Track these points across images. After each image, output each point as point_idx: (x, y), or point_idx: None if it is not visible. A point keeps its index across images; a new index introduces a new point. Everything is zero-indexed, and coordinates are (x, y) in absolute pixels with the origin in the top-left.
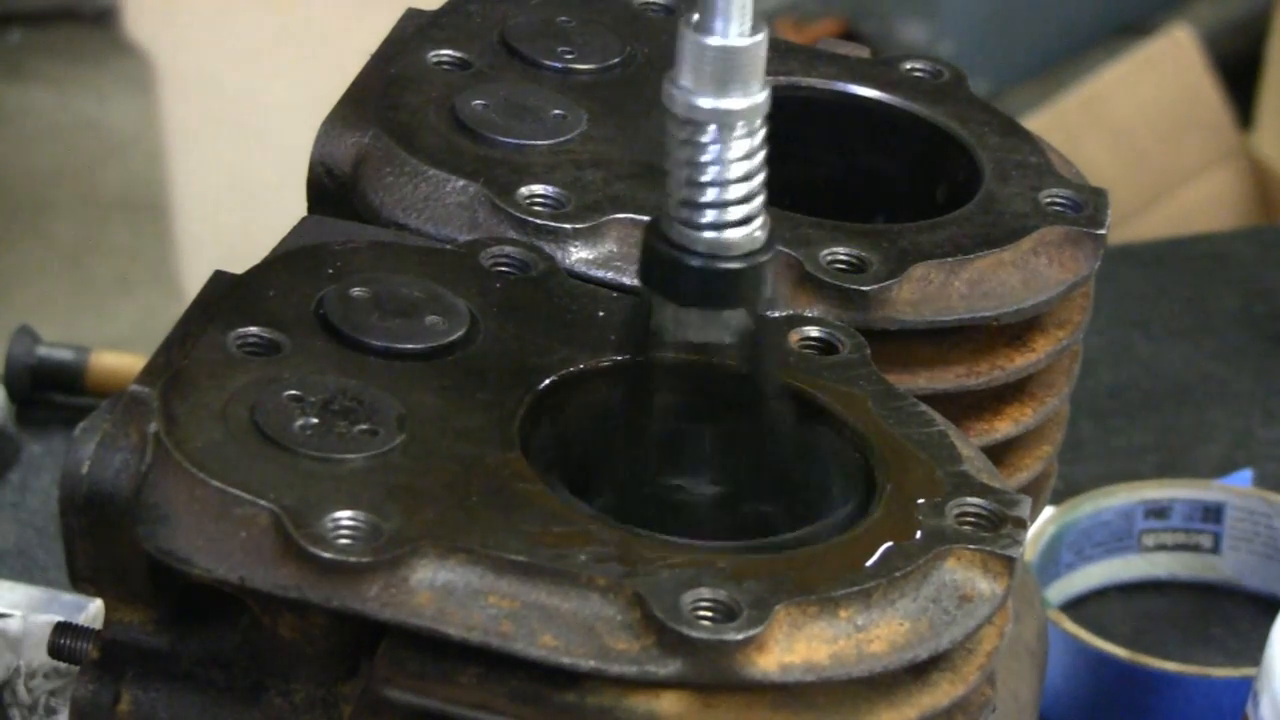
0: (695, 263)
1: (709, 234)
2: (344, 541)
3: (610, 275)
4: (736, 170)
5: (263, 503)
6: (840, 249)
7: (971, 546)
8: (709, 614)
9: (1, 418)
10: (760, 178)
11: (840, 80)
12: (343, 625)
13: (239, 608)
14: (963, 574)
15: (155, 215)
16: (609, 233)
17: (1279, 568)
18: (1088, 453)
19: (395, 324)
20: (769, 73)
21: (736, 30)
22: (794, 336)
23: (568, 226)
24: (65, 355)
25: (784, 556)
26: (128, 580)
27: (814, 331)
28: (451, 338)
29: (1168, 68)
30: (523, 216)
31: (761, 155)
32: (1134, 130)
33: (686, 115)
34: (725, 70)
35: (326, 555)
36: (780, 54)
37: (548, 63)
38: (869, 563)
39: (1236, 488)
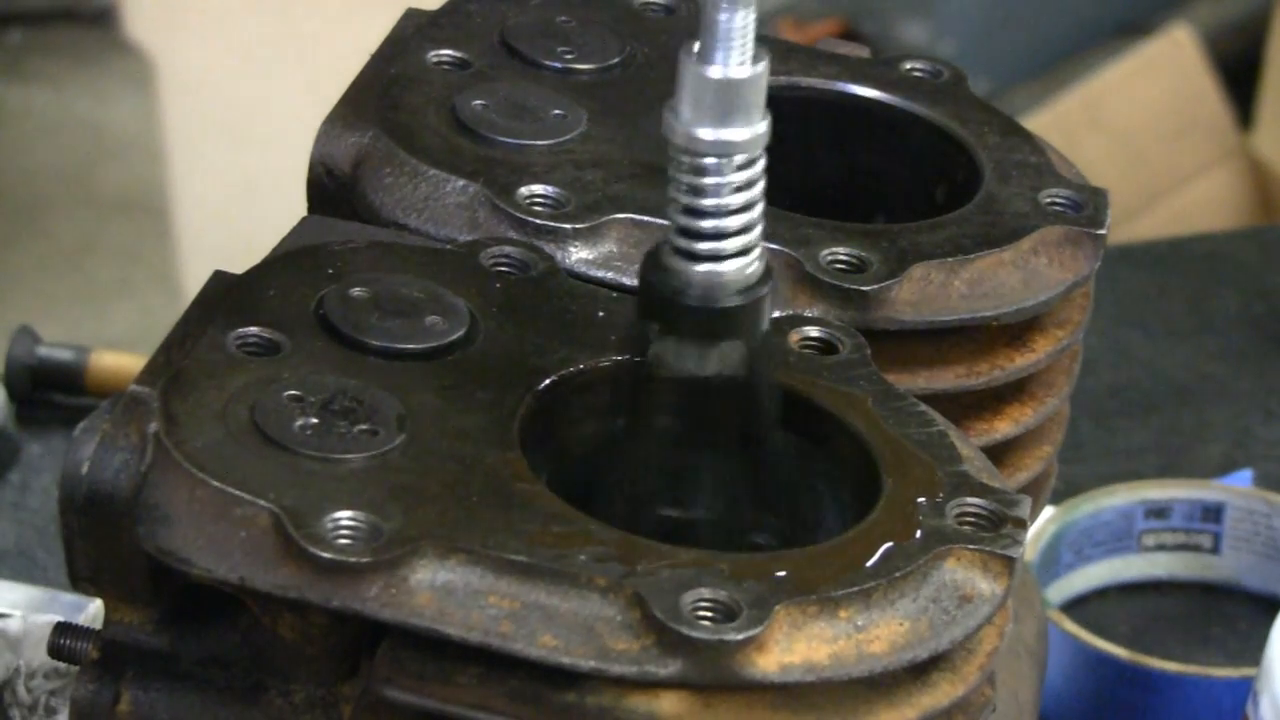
0: (694, 294)
1: (707, 265)
2: (344, 541)
3: (610, 275)
4: (736, 201)
5: (263, 503)
6: (840, 249)
7: (971, 546)
8: (709, 614)
9: (1, 418)
10: (759, 208)
11: (840, 80)
12: (343, 625)
13: (239, 608)
14: (963, 574)
15: (155, 215)
16: (609, 233)
17: (1279, 568)
18: (1088, 453)
19: (395, 324)
20: (771, 73)
21: (737, 60)
22: (794, 336)
23: (568, 226)
24: (65, 355)
25: (784, 556)
26: (128, 580)
27: (814, 331)
28: (451, 338)
29: (1168, 68)
30: (523, 216)
31: (761, 185)
32: (1134, 130)
33: (687, 146)
34: (726, 101)
35: (326, 555)
36: (780, 54)
37: (548, 63)
38: (869, 563)
39: (1236, 488)
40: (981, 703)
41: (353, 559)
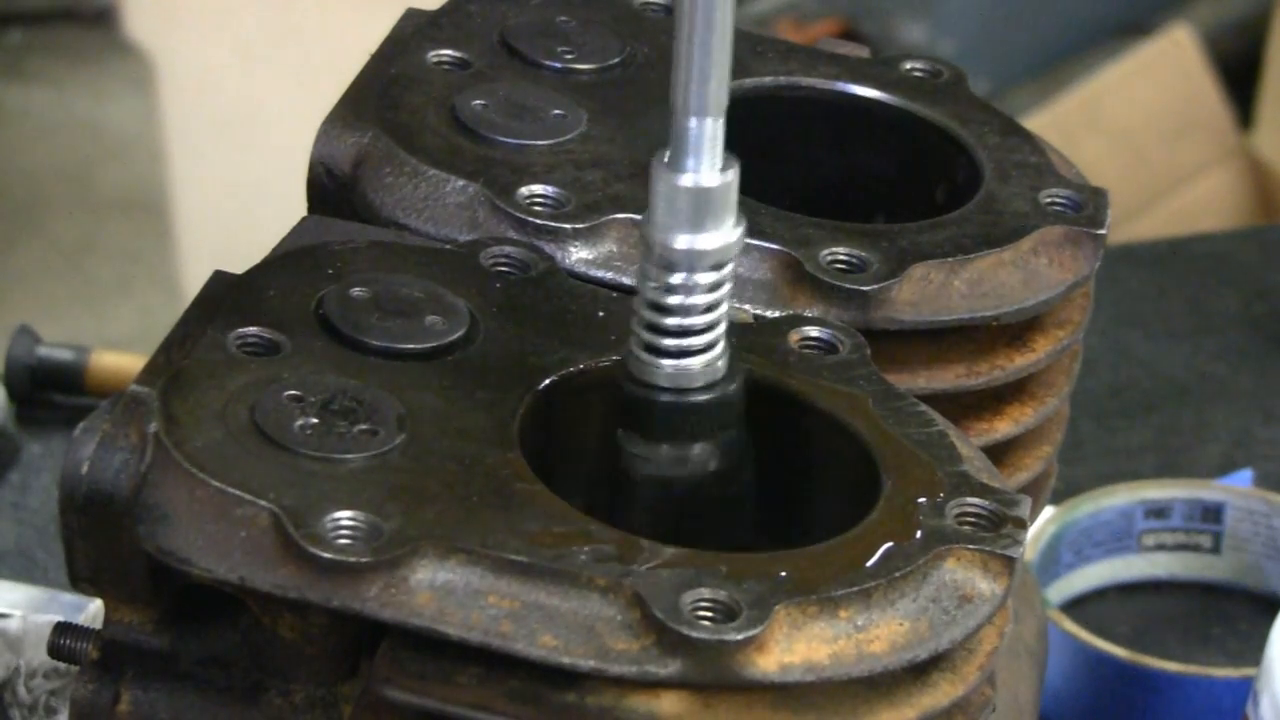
0: (664, 398)
1: (671, 364)
2: (344, 541)
3: (610, 275)
4: (703, 300)
5: (262, 503)
6: (840, 249)
7: (971, 546)
8: (709, 614)
9: (1, 418)
10: (725, 306)
11: (840, 80)
12: (343, 625)
13: (239, 608)
14: (963, 574)
15: (155, 215)
16: (609, 233)
17: (1279, 568)
18: (1088, 453)
19: (395, 324)
20: (770, 73)
21: (708, 168)
22: (794, 336)
23: (568, 226)
24: (65, 355)
25: (784, 556)
26: (128, 580)
27: (814, 331)
28: (451, 338)
29: (1168, 68)
30: (523, 216)
31: (728, 286)
32: (1134, 130)
33: (661, 254)
34: (698, 209)
35: (326, 555)
36: (780, 54)
37: (548, 63)
38: (869, 563)
39: (1236, 488)
40: (981, 703)
41: (353, 559)
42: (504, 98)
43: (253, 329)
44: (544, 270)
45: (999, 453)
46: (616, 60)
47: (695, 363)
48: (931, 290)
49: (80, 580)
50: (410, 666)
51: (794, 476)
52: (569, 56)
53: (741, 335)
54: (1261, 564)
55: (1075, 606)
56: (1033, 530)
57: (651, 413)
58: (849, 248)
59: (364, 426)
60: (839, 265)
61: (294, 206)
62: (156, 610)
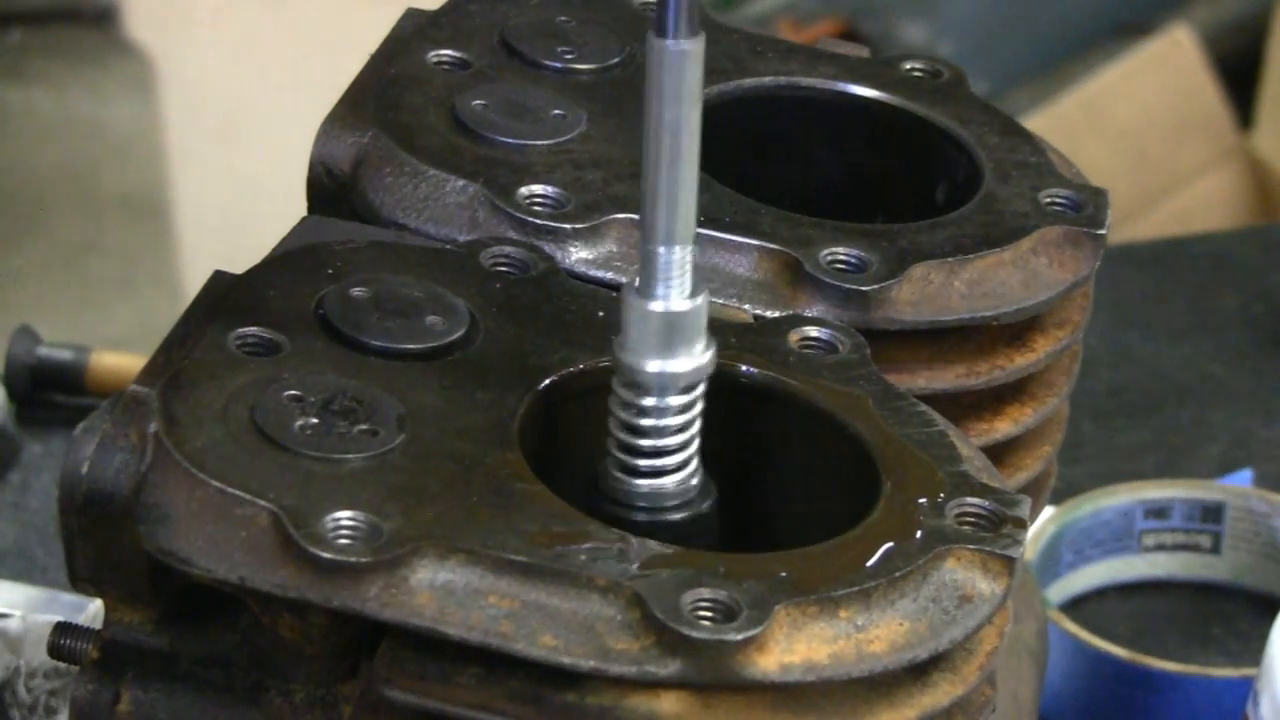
0: (639, 517)
1: (646, 484)
2: (344, 541)
3: (610, 275)
4: (675, 422)
5: (262, 503)
6: (840, 249)
7: (971, 546)
8: (709, 614)
9: (1, 418)
10: (696, 427)
11: (840, 80)
12: (343, 625)
13: (239, 608)
14: (963, 574)
15: (155, 215)
16: (609, 233)
17: (1279, 568)
18: (1088, 453)
19: (395, 324)
20: (771, 73)
21: (678, 294)
22: (794, 336)
23: (568, 226)
24: (65, 355)
25: (784, 556)
26: (128, 580)
27: (814, 331)
28: (451, 338)
29: (1168, 68)
30: (523, 216)
31: (699, 407)
32: (1134, 130)
33: (631, 378)
34: (668, 334)
35: (326, 555)
36: (780, 54)
37: (548, 63)
38: (869, 563)
39: (1236, 488)
40: (981, 703)
41: (353, 559)
42: (504, 98)
43: (253, 329)
44: (544, 270)
45: (999, 453)
46: (616, 60)
47: (669, 482)
48: (931, 290)
49: (80, 580)
50: (410, 667)
51: (794, 476)
52: (569, 56)
53: (741, 335)
54: (1261, 564)
55: (1075, 606)
56: (1033, 530)
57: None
58: (849, 248)
59: (364, 426)
60: (839, 265)
61: (294, 206)
62: (156, 610)
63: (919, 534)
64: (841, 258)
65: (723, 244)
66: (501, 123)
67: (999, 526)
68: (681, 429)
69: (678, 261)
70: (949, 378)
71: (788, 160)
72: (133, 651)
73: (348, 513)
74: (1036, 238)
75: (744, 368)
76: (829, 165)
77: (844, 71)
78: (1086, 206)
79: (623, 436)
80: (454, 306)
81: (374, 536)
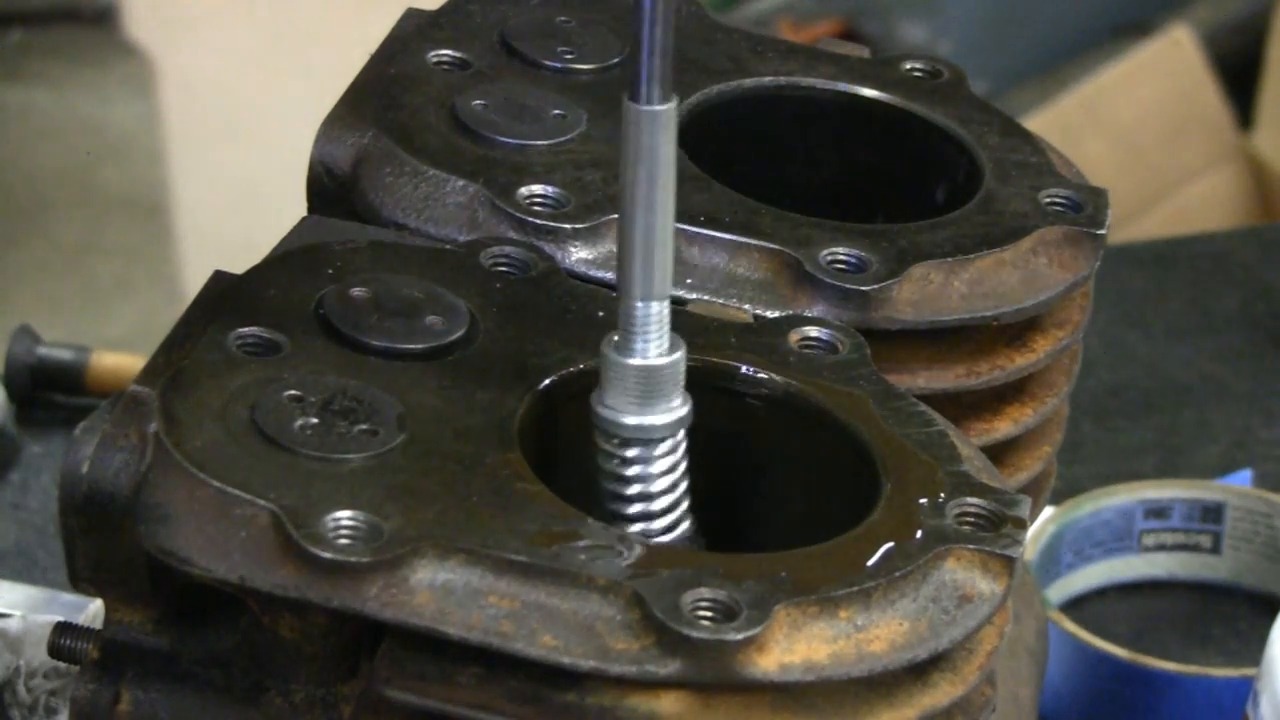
0: None
1: (638, 529)
2: (344, 541)
3: (610, 275)
4: (662, 483)
5: (262, 503)
6: (840, 249)
7: (971, 546)
8: (709, 614)
9: (1, 418)
10: (684, 486)
11: (840, 80)
12: (343, 625)
13: (239, 608)
14: (963, 574)
15: (155, 215)
16: (609, 233)
17: (1279, 568)
18: (1088, 453)
19: (395, 324)
20: (771, 73)
21: (656, 350)
22: (794, 336)
23: (568, 226)
24: (65, 355)
25: (784, 556)
26: (128, 580)
27: (814, 331)
28: (451, 338)
29: (1168, 68)
30: (523, 216)
31: (684, 465)
32: (1134, 130)
33: (612, 432)
34: (647, 388)
35: (326, 555)
36: (780, 54)
37: (548, 63)
38: (869, 563)
39: (1236, 488)
40: (981, 703)
41: (353, 559)
42: (504, 98)
43: (253, 329)
44: (544, 270)
45: (999, 453)
46: (616, 60)
47: (657, 526)
48: (931, 290)
49: (80, 580)
50: (410, 666)
51: (794, 476)
52: (569, 56)
53: (741, 335)
54: (1261, 564)
55: (1075, 606)
56: (1033, 530)
57: None
58: (849, 248)
59: (364, 426)
60: (839, 265)
61: (294, 206)
62: (156, 610)
63: (919, 534)
64: (841, 257)
65: (723, 244)
66: (501, 123)
67: (999, 526)
68: (670, 471)
69: (655, 317)
70: (949, 378)
71: (788, 160)
72: (133, 651)
73: (348, 513)
74: (1036, 238)
75: (744, 368)
76: (829, 165)
77: (844, 71)
78: (1086, 206)
79: (611, 488)
80: (454, 306)
81: (374, 536)
